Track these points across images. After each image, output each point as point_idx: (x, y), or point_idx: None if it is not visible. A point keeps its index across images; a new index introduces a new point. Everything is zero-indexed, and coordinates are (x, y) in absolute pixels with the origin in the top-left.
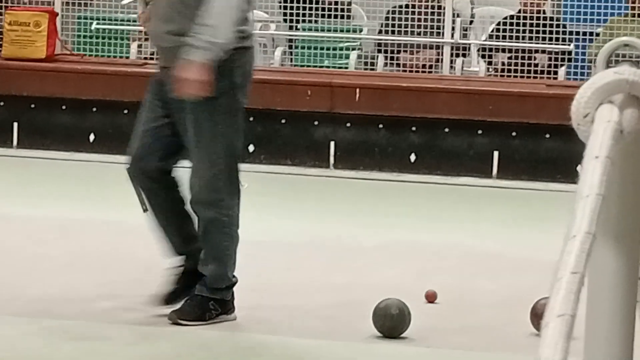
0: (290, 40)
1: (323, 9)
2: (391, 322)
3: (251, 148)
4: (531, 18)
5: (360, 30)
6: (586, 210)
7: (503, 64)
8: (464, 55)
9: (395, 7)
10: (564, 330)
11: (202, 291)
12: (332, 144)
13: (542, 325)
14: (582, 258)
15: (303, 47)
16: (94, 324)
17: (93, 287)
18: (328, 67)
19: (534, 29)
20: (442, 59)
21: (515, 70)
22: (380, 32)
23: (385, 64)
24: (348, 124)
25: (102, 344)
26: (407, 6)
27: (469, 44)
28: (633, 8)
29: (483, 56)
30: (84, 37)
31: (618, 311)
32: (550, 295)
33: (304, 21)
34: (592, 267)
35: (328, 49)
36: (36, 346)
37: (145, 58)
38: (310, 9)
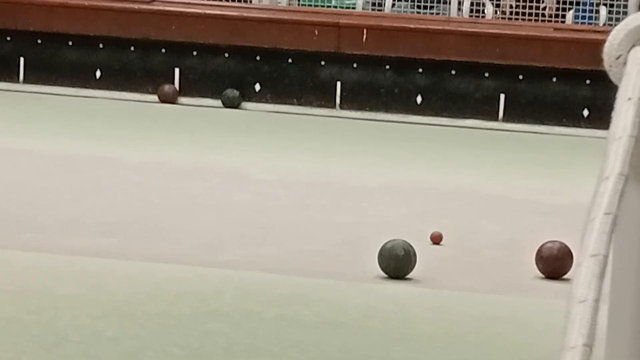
0: None
1: None
2: (397, 263)
3: (257, 87)
4: None
5: None
6: (619, 151)
7: (511, 6)
8: None
9: None
10: (597, 270)
11: None
12: (339, 84)
13: (575, 265)
14: (615, 199)
15: None
16: (98, 259)
17: (97, 221)
18: (335, 6)
19: None
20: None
21: (523, 13)
22: None
23: (393, 4)
24: (355, 65)
25: (106, 279)
26: None
27: None
28: None
29: None
30: None
31: None
32: (583, 235)
33: None
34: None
35: None
36: (41, 280)
37: None
38: None
